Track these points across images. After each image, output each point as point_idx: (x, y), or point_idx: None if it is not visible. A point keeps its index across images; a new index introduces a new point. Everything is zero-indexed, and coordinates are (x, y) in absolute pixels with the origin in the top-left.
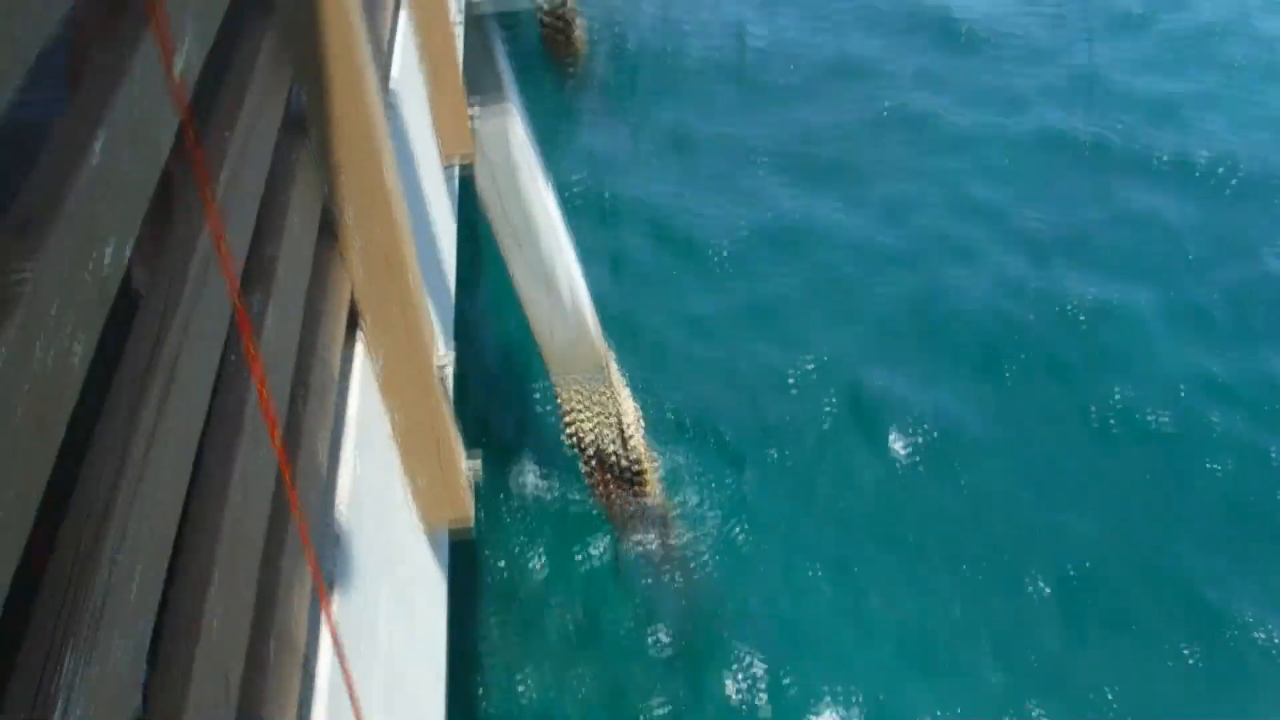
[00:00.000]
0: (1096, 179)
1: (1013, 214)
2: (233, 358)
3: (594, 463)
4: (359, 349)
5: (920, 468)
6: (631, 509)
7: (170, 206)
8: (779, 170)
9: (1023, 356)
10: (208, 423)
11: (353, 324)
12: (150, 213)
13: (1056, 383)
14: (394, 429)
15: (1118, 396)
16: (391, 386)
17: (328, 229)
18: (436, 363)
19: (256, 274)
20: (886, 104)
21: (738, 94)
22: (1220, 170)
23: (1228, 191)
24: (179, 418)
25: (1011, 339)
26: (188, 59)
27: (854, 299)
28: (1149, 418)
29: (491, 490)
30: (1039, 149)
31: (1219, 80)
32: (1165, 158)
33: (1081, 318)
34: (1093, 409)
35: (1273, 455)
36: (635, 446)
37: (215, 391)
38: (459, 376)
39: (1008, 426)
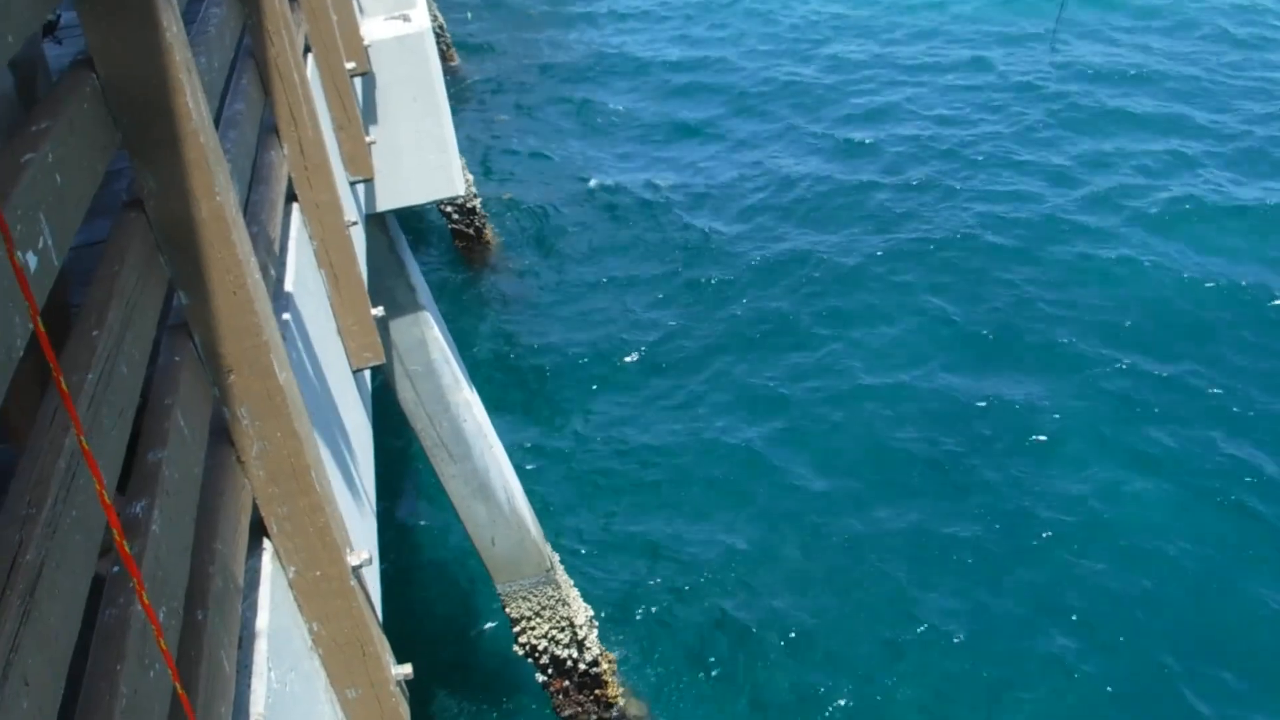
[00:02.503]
0: None
1: None
2: (115, 569)
3: (550, 671)
4: (266, 557)
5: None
6: (595, 716)
7: (36, 405)
8: (705, 354)
9: None
10: (85, 638)
11: (258, 531)
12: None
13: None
14: (314, 638)
15: None
16: (307, 594)
17: (221, 433)
18: (353, 564)
19: (140, 479)
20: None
21: (656, 285)
22: None
23: None
24: (44, 630)
25: None
26: (44, 255)
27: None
28: None
29: (444, 711)
30: None
31: None
32: None
33: None
34: None
35: None
36: (590, 648)
37: (93, 604)
38: (398, 589)
39: None
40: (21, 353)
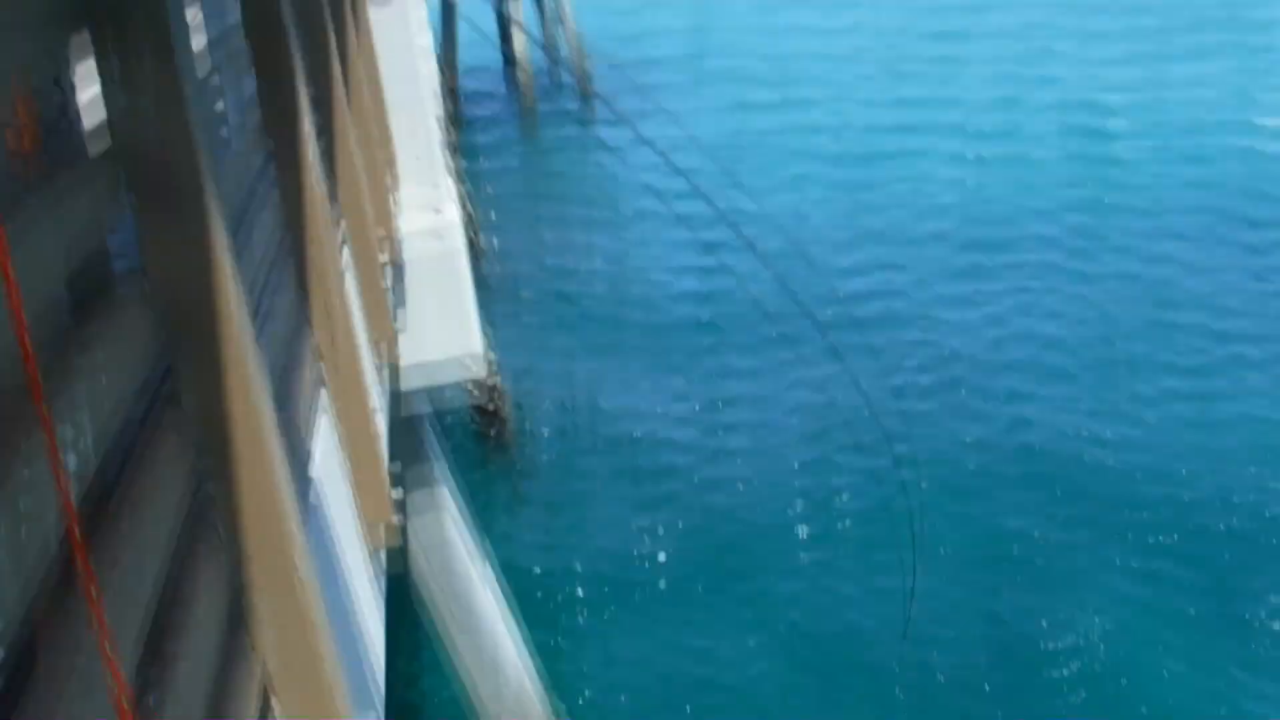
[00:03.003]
0: None
1: None
2: None
3: None
4: None
5: None
6: None
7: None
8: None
9: None
10: None
11: (265, 710)
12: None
13: None
14: None
15: None
16: None
17: (237, 620)
18: None
19: (154, 671)
20: None
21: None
22: None
23: None
24: None
25: None
26: (82, 457)
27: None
28: None
29: None
30: None
31: None
32: None
33: None
34: None
35: None
36: None
37: None
38: None
39: None
40: (55, 552)
